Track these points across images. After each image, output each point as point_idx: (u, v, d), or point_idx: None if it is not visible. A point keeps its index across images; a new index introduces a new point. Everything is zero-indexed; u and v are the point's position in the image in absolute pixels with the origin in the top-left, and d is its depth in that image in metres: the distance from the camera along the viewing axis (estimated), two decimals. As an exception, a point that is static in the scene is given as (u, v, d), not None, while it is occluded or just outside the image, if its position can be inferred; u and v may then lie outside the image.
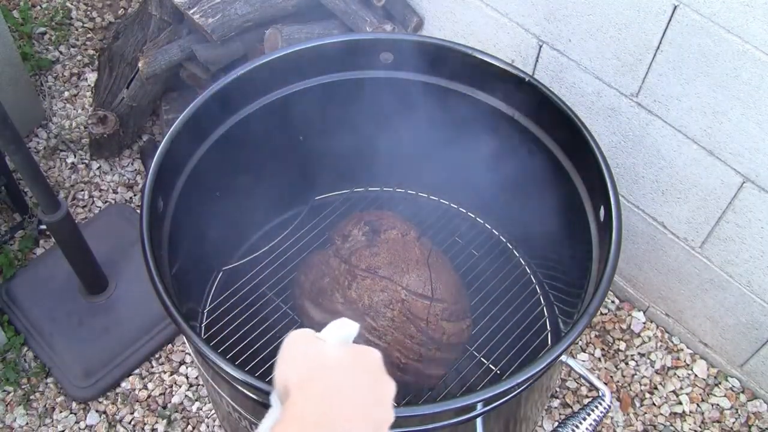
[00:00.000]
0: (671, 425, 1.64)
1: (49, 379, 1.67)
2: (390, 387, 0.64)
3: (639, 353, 1.72)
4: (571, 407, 1.66)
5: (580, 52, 1.43)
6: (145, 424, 1.62)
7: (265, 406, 1.02)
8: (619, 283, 1.78)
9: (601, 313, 1.78)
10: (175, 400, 1.65)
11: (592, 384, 1.05)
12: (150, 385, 1.67)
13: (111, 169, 2.00)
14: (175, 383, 1.67)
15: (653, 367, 1.70)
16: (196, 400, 1.65)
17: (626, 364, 1.71)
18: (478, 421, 1.02)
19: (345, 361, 0.63)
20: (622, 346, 1.73)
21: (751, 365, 1.63)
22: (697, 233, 1.50)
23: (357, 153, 1.46)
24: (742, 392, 1.67)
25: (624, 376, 1.69)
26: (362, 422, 0.58)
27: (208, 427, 1.62)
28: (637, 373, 1.70)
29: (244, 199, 1.41)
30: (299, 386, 0.60)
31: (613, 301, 1.80)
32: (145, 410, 1.64)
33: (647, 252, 1.64)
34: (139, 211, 1.40)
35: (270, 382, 1.04)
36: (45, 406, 1.64)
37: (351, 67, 1.34)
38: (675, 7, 1.23)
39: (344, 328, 0.69)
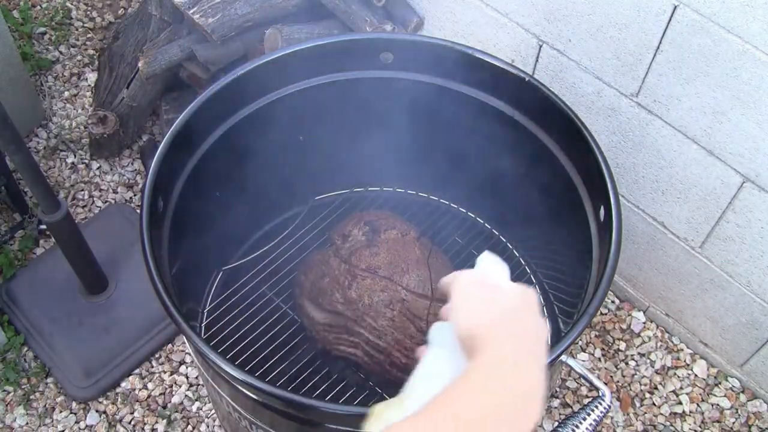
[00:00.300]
0: (671, 425, 1.64)
1: (49, 379, 1.67)
2: (545, 325, 0.70)
3: (639, 353, 1.72)
4: (571, 407, 1.66)
5: (580, 52, 1.43)
6: (145, 424, 1.62)
7: (266, 405, 1.02)
8: (619, 283, 1.78)
9: (601, 313, 1.78)
10: (175, 400, 1.65)
11: (592, 384, 1.05)
12: (150, 385, 1.67)
13: (111, 169, 2.00)
14: (175, 383, 1.67)
15: (653, 367, 1.70)
16: (196, 400, 1.65)
17: (626, 364, 1.71)
18: (478, 421, 1.02)
19: (518, 301, 0.67)
20: (622, 346, 1.73)
21: (751, 365, 1.63)
22: (697, 233, 1.50)
23: (357, 153, 1.46)
24: (742, 392, 1.67)
25: (624, 376, 1.69)
26: (542, 357, 0.64)
27: (208, 427, 1.62)
28: (637, 373, 1.70)
29: (244, 199, 1.41)
30: (490, 331, 0.63)
31: (613, 301, 1.80)
32: (145, 410, 1.64)
33: (647, 252, 1.64)
34: (139, 211, 1.40)
35: (271, 383, 1.04)
36: (45, 406, 1.64)
37: (351, 67, 1.34)
38: (675, 7, 1.23)
39: (497, 264, 0.74)
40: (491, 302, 0.67)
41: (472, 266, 0.77)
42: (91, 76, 2.17)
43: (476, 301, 0.67)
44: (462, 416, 0.56)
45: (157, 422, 1.62)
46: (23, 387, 1.67)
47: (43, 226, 1.86)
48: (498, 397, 0.58)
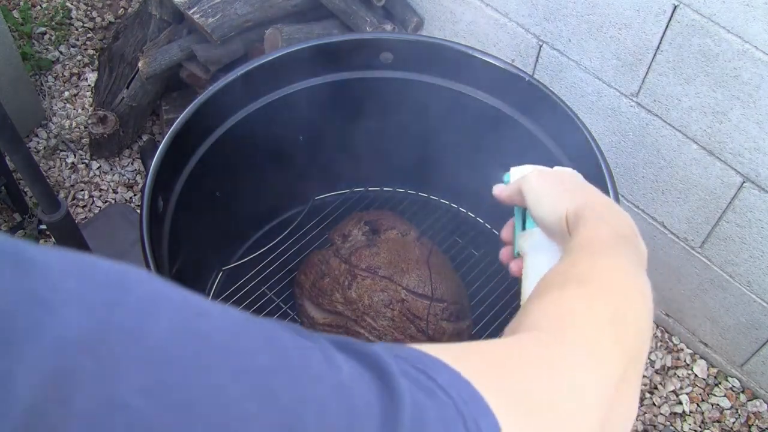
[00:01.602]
0: (671, 425, 1.64)
1: (49, 379, 1.67)
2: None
3: (639, 353, 1.72)
4: (571, 407, 1.66)
5: (580, 52, 1.43)
6: (145, 424, 1.62)
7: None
8: (619, 283, 1.78)
9: (601, 313, 1.78)
10: (175, 400, 1.65)
11: (592, 384, 1.05)
12: (150, 385, 1.67)
13: (111, 169, 2.00)
14: (175, 383, 1.67)
15: (653, 367, 1.70)
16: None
17: (626, 364, 1.71)
18: (478, 421, 1.02)
19: (575, 176, 0.74)
20: (622, 346, 1.73)
21: (751, 365, 1.63)
22: (697, 233, 1.50)
23: (357, 153, 1.46)
24: (742, 392, 1.67)
25: (624, 376, 1.69)
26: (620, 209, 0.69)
27: (208, 427, 1.62)
28: (637, 373, 1.70)
29: (244, 199, 1.41)
30: (586, 208, 0.64)
31: (613, 301, 1.80)
32: (145, 410, 1.64)
33: (647, 252, 1.64)
34: (139, 211, 1.40)
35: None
36: (45, 406, 1.64)
37: (351, 67, 1.34)
38: (675, 7, 1.23)
39: (529, 167, 0.79)
40: (561, 183, 0.70)
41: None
42: (91, 76, 2.17)
43: (551, 190, 0.70)
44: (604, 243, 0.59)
45: (157, 422, 1.62)
46: (23, 387, 1.67)
47: (43, 226, 1.86)
48: (617, 235, 0.61)
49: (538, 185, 0.71)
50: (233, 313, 0.34)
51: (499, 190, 0.79)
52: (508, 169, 0.83)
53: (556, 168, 0.76)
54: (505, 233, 0.80)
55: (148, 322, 0.29)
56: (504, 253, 0.79)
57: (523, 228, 0.76)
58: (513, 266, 0.77)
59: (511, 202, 0.77)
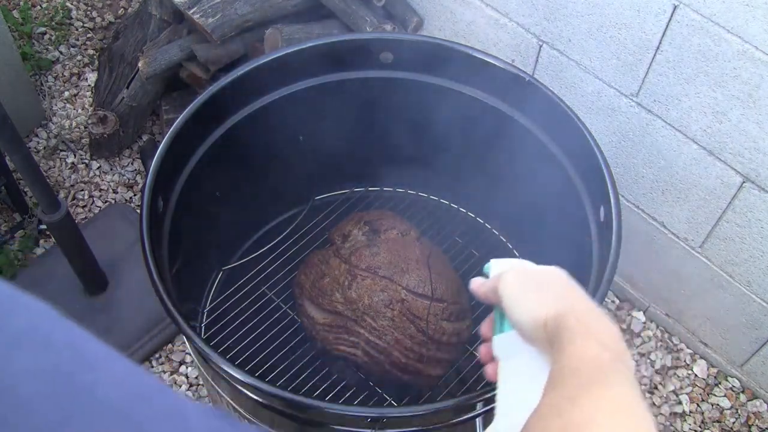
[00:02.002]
0: (671, 425, 1.64)
1: (49, 379, 1.67)
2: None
3: (639, 353, 1.72)
4: (571, 407, 1.66)
5: (580, 52, 1.43)
6: (145, 424, 1.62)
7: (266, 406, 1.02)
8: (618, 283, 1.78)
9: (601, 313, 1.78)
10: (175, 400, 1.65)
11: (592, 384, 1.05)
12: (150, 385, 1.67)
13: (111, 169, 2.00)
14: (175, 383, 1.67)
15: (653, 367, 1.70)
16: (196, 400, 1.65)
17: (626, 364, 1.71)
18: (478, 421, 1.02)
19: (557, 276, 0.70)
20: (622, 346, 1.73)
21: (751, 365, 1.63)
22: (697, 233, 1.50)
23: (357, 153, 1.46)
24: (742, 392, 1.67)
25: (624, 376, 1.69)
26: (600, 310, 0.66)
27: (208, 427, 1.62)
28: (637, 373, 1.70)
29: (244, 198, 1.41)
30: (569, 317, 0.62)
31: (613, 301, 1.80)
32: (145, 410, 1.64)
33: (647, 252, 1.64)
34: (139, 211, 1.40)
35: (271, 383, 1.04)
36: (45, 406, 1.64)
37: (351, 67, 1.34)
38: (675, 7, 1.23)
39: (511, 262, 0.76)
40: (540, 286, 0.68)
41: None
42: (91, 76, 2.17)
43: (530, 294, 0.67)
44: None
45: (157, 422, 1.62)
46: (23, 387, 1.67)
47: (43, 226, 1.86)
48: (609, 355, 0.58)
49: (516, 287, 0.68)
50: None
51: (476, 286, 0.74)
52: (489, 260, 0.79)
53: (540, 267, 0.73)
54: (484, 328, 0.75)
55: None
56: (483, 351, 0.75)
57: (501, 329, 0.72)
58: (489, 369, 0.73)
59: (488, 300, 0.73)
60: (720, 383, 1.68)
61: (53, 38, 2.26)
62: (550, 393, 0.56)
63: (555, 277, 0.70)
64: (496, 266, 0.76)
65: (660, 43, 1.29)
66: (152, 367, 1.70)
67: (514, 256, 1.52)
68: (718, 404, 1.66)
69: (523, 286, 0.68)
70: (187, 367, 1.70)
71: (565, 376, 0.56)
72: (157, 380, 0.36)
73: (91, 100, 2.12)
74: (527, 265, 0.75)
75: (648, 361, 1.71)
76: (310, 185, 1.57)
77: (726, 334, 1.62)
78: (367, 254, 1.30)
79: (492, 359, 0.73)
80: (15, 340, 0.32)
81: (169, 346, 1.72)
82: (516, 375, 0.69)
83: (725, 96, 1.26)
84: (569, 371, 0.56)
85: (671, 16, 1.24)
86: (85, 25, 2.31)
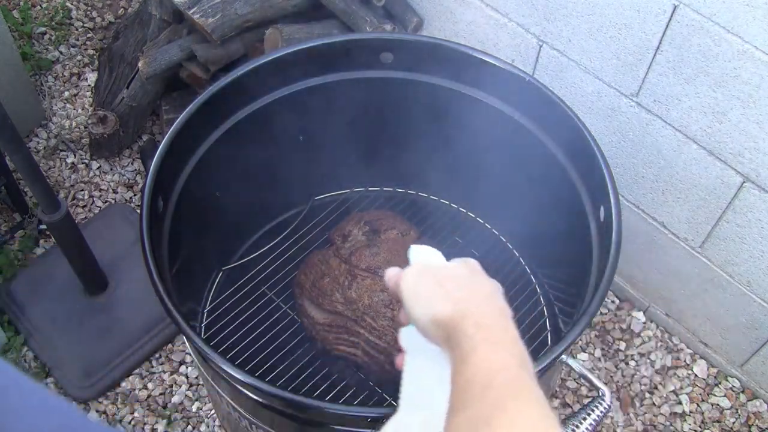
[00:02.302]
0: (671, 425, 1.64)
1: (49, 379, 1.67)
2: (495, 282, 0.72)
3: (639, 353, 1.72)
4: (571, 407, 1.66)
5: (580, 52, 1.43)
6: (145, 424, 1.62)
7: (266, 406, 1.02)
8: (619, 283, 1.78)
9: (601, 313, 1.78)
10: (175, 400, 1.65)
11: (592, 384, 1.05)
12: (150, 385, 1.67)
13: (111, 169, 2.00)
14: (175, 383, 1.67)
15: (653, 367, 1.70)
16: (196, 400, 1.65)
17: (626, 364, 1.71)
18: (478, 421, 1.02)
19: (462, 270, 0.69)
20: (622, 346, 1.73)
21: (751, 365, 1.63)
22: (697, 233, 1.50)
23: (357, 153, 1.46)
24: (742, 392, 1.67)
25: (624, 376, 1.69)
26: (503, 305, 0.67)
27: (208, 427, 1.62)
28: (637, 373, 1.70)
29: (244, 198, 1.41)
30: (465, 319, 0.61)
31: (613, 301, 1.80)
32: (145, 410, 1.64)
33: (647, 252, 1.64)
34: (139, 211, 1.40)
35: (271, 383, 1.04)
36: (45, 406, 1.64)
37: (351, 67, 1.34)
38: (675, 7, 1.23)
39: (425, 251, 0.75)
40: (439, 284, 0.66)
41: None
42: (91, 76, 2.17)
43: (426, 292, 0.66)
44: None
45: (157, 422, 1.62)
46: (23, 387, 1.67)
47: (43, 226, 1.86)
48: (514, 360, 0.57)
49: (414, 284, 0.68)
50: None
51: (387, 277, 0.74)
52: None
53: (446, 263, 0.72)
54: (401, 316, 0.75)
55: None
56: (398, 339, 0.75)
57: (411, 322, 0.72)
58: (398, 358, 0.73)
59: (395, 295, 0.72)
60: (720, 383, 1.68)
61: (53, 38, 2.26)
62: (461, 411, 0.55)
63: (458, 274, 0.69)
64: (415, 254, 0.76)
65: (660, 43, 1.29)
66: (152, 367, 1.70)
67: (514, 257, 1.52)
68: (718, 404, 1.66)
69: (421, 284, 0.68)
70: (187, 367, 1.70)
71: (476, 393, 0.55)
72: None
73: (91, 100, 2.12)
74: (435, 258, 0.74)
75: (648, 361, 1.71)
76: (310, 185, 1.57)
77: (726, 334, 1.62)
78: (367, 254, 1.30)
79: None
80: None
81: (169, 346, 1.72)
82: (419, 369, 0.69)
83: (725, 96, 1.26)
84: (480, 388, 0.55)
85: (671, 16, 1.24)
86: (85, 25, 2.31)
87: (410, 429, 0.66)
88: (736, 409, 1.65)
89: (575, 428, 1.00)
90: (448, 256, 0.78)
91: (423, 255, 0.75)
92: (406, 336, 0.72)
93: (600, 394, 1.04)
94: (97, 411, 1.63)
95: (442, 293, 0.65)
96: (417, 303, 0.67)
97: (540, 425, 0.52)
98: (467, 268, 0.71)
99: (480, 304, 0.64)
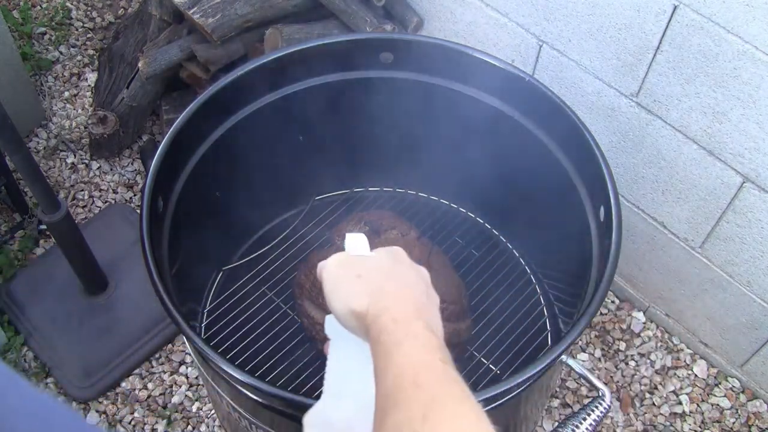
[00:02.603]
0: (671, 425, 1.64)
1: (49, 379, 1.67)
2: (420, 270, 0.69)
3: (639, 353, 1.72)
4: (571, 407, 1.66)
5: (580, 52, 1.43)
6: (145, 424, 1.62)
7: (266, 406, 1.02)
8: (619, 283, 1.78)
9: (601, 313, 1.78)
10: (175, 400, 1.65)
11: (592, 384, 1.05)
12: (150, 385, 1.67)
13: (111, 169, 2.00)
14: (175, 383, 1.67)
15: (653, 367, 1.70)
16: (196, 400, 1.65)
17: (626, 364, 1.71)
18: (478, 421, 1.02)
19: (385, 261, 0.68)
20: (622, 346, 1.73)
21: (751, 365, 1.63)
22: (697, 233, 1.50)
23: (357, 153, 1.46)
24: (742, 392, 1.67)
25: (624, 376, 1.69)
26: (431, 296, 0.67)
27: (208, 427, 1.62)
28: (637, 373, 1.70)
29: (244, 199, 1.41)
30: (383, 313, 0.60)
31: (613, 301, 1.80)
32: (145, 410, 1.64)
33: (647, 252, 1.64)
34: (139, 211, 1.40)
35: (271, 383, 1.04)
36: (45, 406, 1.64)
37: (351, 67, 1.34)
38: (675, 7, 1.23)
39: (358, 240, 0.74)
40: (358, 276, 0.65)
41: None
42: (91, 76, 2.17)
43: (345, 284, 0.65)
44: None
45: (157, 422, 1.62)
46: (23, 387, 1.66)
47: (43, 226, 1.86)
48: (434, 356, 0.56)
49: (334, 276, 0.67)
50: None
51: (318, 268, 0.72)
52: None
53: (369, 253, 0.70)
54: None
55: None
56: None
57: None
58: (325, 347, 0.73)
59: (320, 285, 0.71)
60: (720, 383, 1.68)
61: (53, 38, 2.26)
62: (392, 413, 0.53)
63: (380, 265, 0.67)
64: (349, 242, 0.75)
65: (660, 43, 1.29)
66: (152, 367, 1.70)
67: (514, 257, 1.52)
68: (718, 404, 1.66)
69: (341, 275, 0.67)
70: (187, 367, 1.70)
71: (406, 393, 0.53)
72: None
73: (91, 100, 2.12)
74: (361, 248, 0.73)
75: (648, 361, 1.71)
76: (310, 185, 1.57)
77: (726, 334, 1.62)
78: (367, 254, 1.30)
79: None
80: None
81: (169, 346, 1.72)
82: (343, 358, 0.69)
83: (725, 96, 1.26)
84: (410, 387, 0.53)
85: (671, 16, 1.24)
86: (85, 25, 2.31)
87: (331, 420, 0.65)
88: (736, 409, 1.65)
89: (575, 428, 1.00)
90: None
91: (355, 244, 0.74)
92: (330, 324, 0.71)
93: (600, 394, 1.04)
94: (97, 411, 1.63)
95: (361, 286, 0.64)
96: (336, 295, 0.65)
97: (481, 425, 0.51)
98: (391, 257, 0.69)
99: (400, 297, 0.63)
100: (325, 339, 0.73)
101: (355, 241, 0.75)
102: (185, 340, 1.42)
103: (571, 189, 1.24)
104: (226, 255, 1.50)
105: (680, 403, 1.66)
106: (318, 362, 1.33)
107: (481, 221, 1.57)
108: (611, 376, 1.69)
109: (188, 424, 1.62)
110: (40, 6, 2.34)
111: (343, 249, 0.76)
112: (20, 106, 1.94)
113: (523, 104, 1.28)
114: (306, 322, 1.33)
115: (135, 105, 1.92)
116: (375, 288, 0.63)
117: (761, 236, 1.40)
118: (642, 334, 1.75)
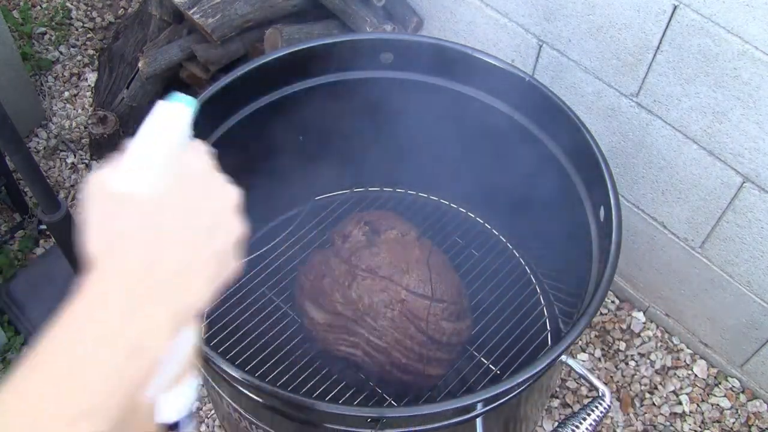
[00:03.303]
0: (671, 425, 1.64)
1: (49, 379, 1.67)
2: (230, 195, 0.54)
3: (639, 353, 1.72)
4: (571, 407, 1.66)
5: (580, 52, 1.43)
6: (145, 424, 1.62)
7: (266, 406, 1.02)
8: (619, 283, 1.78)
9: (601, 313, 1.78)
10: (175, 400, 1.65)
11: (592, 384, 1.05)
12: (150, 385, 1.67)
13: (111, 169, 2.00)
14: (175, 383, 1.67)
15: (653, 367, 1.70)
16: (196, 400, 1.65)
17: (626, 364, 1.71)
18: (478, 421, 1.02)
19: (160, 191, 0.50)
20: (622, 346, 1.73)
21: (751, 365, 1.63)
22: (697, 233, 1.50)
23: (357, 153, 1.46)
24: (742, 392, 1.67)
25: (624, 376, 1.69)
26: (202, 263, 0.49)
27: (208, 427, 1.62)
28: (637, 373, 1.70)
29: (244, 199, 1.41)
30: (116, 277, 0.47)
31: (613, 301, 1.80)
32: (145, 410, 1.64)
33: (647, 252, 1.64)
34: (139, 211, 1.40)
35: (271, 383, 1.04)
36: (45, 406, 1.64)
37: (351, 67, 1.34)
38: (675, 7, 1.23)
39: (173, 116, 0.52)
40: (116, 216, 0.49)
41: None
42: (91, 76, 2.17)
43: (96, 219, 0.50)
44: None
45: (157, 422, 1.62)
46: (23, 387, 1.67)
47: (43, 226, 1.86)
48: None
49: (91, 208, 0.50)
50: None
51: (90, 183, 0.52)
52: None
53: (183, 158, 0.52)
54: None
55: None
56: None
57: None
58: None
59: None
60: (720, 383, 1.68)
61: (53, 38, 2.26)
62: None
63: (151, 212, 0.49)
64: (157, 122, 0.54)
65: (660, 43, 1.29)
66: (152, 367, 1.69)
67: (514, 257, 1.52)
68: (718, 404, 1.66)
69: (96, 212, 0.49)
70: (187, 367, 1.70)
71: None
72: None
73: (91, 100, 2.12)
74: (170, 135, 0.53)
75: (648, 361, 1.71)
76: (310, 185, 1.57)
77: (726, 334, 1.62)
78: (367, 254, 1.30)
79: None
80: None
81: (169, 346, 1.72)
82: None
83: (725, 96, 1.26)
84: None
85: (671, 16, 1.24)
86: (85, 25, 2.31)
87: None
88: (736, 410, 1.65)
89: (575, 428, 1.00)
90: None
91: (165, 125, 0.52)
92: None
93: (600, 394, 1.04)
94: (97, 411, 1.63)
95: (110, 229, 0.48)
96: (86, 231, 0.49)
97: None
98: (183, 184, 0.51)
99: (148, 250, 0.47)
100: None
101: (167, 120, 0.52)
102: (185, 340, 1.42)
103: (571, 189, 1.24)
104: (226, 255, 1.50)
105: (680, 403, 1.66)
106: (318, 362, 1.33)
107: (481, 221, 1.57)
108: (611, 376, 1.69)
109: (188, 424, 1.62)
110: (40, 6, 2.34)
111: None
112: (20, 106, 1.94)
113: (523, 104, 1.28)
114: (306, 322, 1.33)
115: (135, 105, 1.92)
116: (122, 241, 0.48)
117: (761, 236, 1.40)
118: (642, 334, 1.75)
